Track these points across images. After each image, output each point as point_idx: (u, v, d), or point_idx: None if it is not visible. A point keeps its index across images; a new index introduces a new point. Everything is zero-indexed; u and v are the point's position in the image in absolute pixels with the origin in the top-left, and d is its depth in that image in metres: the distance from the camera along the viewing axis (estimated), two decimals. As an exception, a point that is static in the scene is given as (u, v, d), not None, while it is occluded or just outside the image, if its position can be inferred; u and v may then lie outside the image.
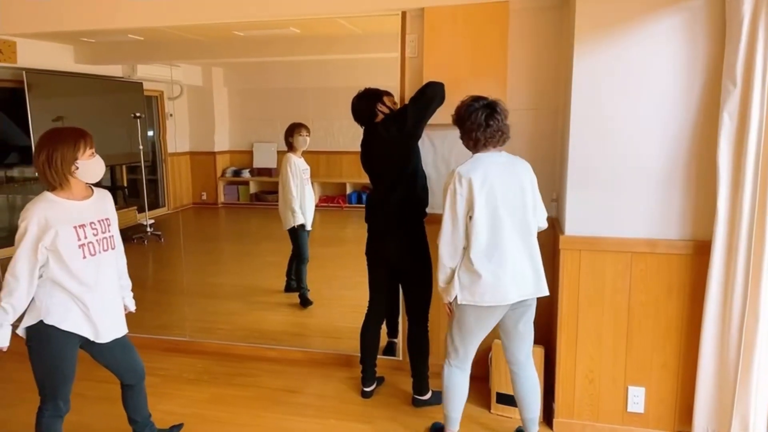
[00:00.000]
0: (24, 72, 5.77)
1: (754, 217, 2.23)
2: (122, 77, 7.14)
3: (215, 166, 8.66)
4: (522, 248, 2.21)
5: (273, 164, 8.61)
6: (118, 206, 8.47)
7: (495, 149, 2.24)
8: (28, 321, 2.05)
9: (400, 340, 3.28)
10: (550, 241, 2.94)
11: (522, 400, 2.44)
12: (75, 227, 2.03)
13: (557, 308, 2.63)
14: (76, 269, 2.03)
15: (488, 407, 2.87)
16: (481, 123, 2.18)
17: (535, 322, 3.01)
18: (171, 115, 8.50)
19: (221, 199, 8.71)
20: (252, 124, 8.59)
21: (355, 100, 2.81)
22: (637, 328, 2.52)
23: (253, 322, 4.08)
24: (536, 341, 2.86)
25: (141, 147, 7.01)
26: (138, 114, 7.02)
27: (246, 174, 8.80)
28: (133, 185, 7.90)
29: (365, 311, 2.98)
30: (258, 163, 8.75)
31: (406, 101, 2.93)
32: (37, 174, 2.00)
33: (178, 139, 8.62)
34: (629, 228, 2.47)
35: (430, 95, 2.64)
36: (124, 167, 7.70)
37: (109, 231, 2.15)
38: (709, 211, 2.34)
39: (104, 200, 2.19)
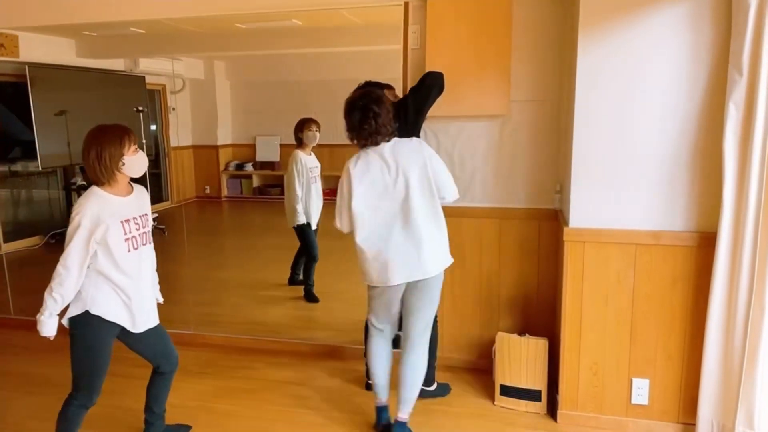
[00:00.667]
0: (26, 66, 5.76)
1: (760, 208, 2.21)
2: (124, 71, 7.13)
3: (218, 159, 8.64)
4: (404, 233, 2.33)
5: (276, 158, 8.58)
6: (122, 200, 8.15)
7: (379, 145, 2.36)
8: (74, 311, 2.14)
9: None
10: (554, 233, 2.93)
11: (399, 377, 2.50)
12: (122, 222, 2.14)
13: (561, 300, 2.62)
14: (122, 262, 2.14)
15: (492, 399, 2.87)
16: (354, 125, 2.32)
17: (538, 315, 3.04)
18: (173, 108, 8.50)
19: (224, 192, 8.70)
20: (254, 118, 8.56)
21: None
22: (642, 320, 2.51)
23: (257, 315, 4.09)
24: (540, 333, 2.87)
25: (144, 141, 6.99)
26: (140, 108, 7.01)
27: (249, 167, 8.79)
28: (136, 179, 7.90)
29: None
30: (261, 156, 8.73)
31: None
32: (86, 170, 2.12)
33: (180, 132, 8.62)
34: (634, 220, 2.45)
35: (429, 84, 2.63)
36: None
37: (147, 226, 2.26)
38: (715, 203, 2.32)
39: (143, 196, 2.29)
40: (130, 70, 7.14)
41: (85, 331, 2.15)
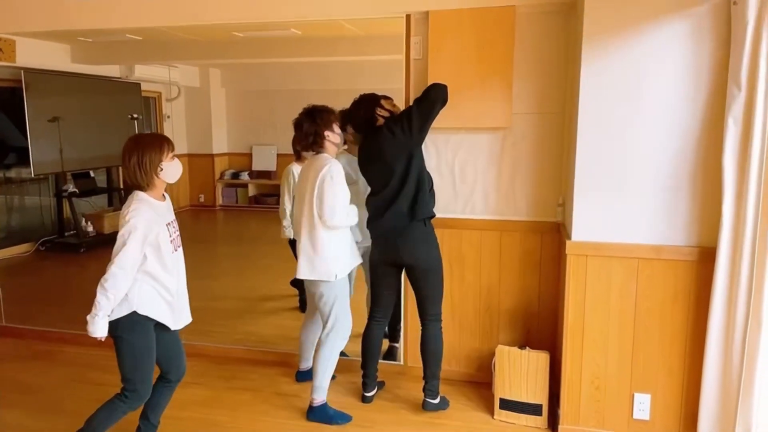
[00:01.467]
0: (22, 71, 5.71)
1: (757, 224, 2.21)
2: (120, 77, 7.09)
3: (213, 168, 8.61)
4: (306, 235, 2.70)
5: (273, 167, 8.54)
6: (113, 208, 8.36)
7: (313, 154, 2.74)
8: (120, 312, 2.18)
9: (401, 345, 3.25)
10: (556, 246, 2.93)
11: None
12: (166, 225, 2.27)
13: (563, 314, 2.61)
14: (169, 263, 2.26)
15: (491, 413, 2.84)
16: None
17: (539, 328, 3.02)
18: (168, 116, 8.47)
19: (219, 201, 8.65)
20: (251, 127, 8.55)
21: (352, 107, 2.77)
22: (643, 334, 2.50)
23: (251, 326, 4.04)
24: (541, 347, 2.85)
25: (138, 148, 6.95)
26: (135, 115, 6.97)
27: (245, 176, 8.75)
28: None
29: (366, 315, 2.95)
30: (257, 165, 8.70)
31: (411, 103, 2.91)
32: (127, 176, 2.24)
33: (175, 140, 8.57)
34: (636, 233, 2.45)
35: (433, 97, 2.63)
36: (120, 169, 7.64)
37: (177, 229, 2.41)
38: (715, 217, 2.33)
39: (170, 202, 2.41)
40: (125, 76, 7.11)
41: (134, 331, 2.22)
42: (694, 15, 2.28)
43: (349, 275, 2.85)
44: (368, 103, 2.73)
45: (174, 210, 2.40)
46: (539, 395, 2.71)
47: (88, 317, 2.11)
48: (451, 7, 2.80)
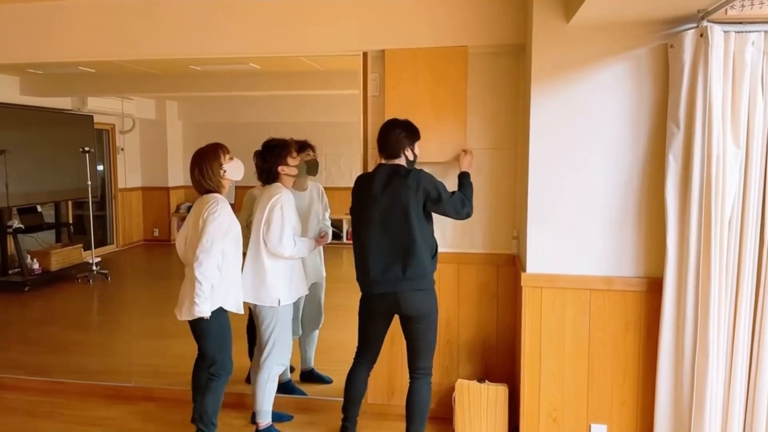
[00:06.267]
0: (-34, 103, 5.49)
1: (700, 254, 2.30)
2: (71, 110, 6.91)
3: (169, 201, 8.40)
4: (251, 259, 2.76)
5: (230, 200, 8.38)
6: (61, 244, 8.00)
7: (268, 184, 2.85)
8: (212, 306, 2.47)
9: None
10: (512, 278, 2.97)
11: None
12: None
13: (520, 346, 2.63)
14: (239, 254, 2.59)
15: (452, 450, 2.80)
16: None
17: (498, 360, 3.02)
18: (122, 149, 8.26)
19: (174, 235, 8.42)
20: (208, 159, 8.42)
21: (387, 126, 2.56)
22: (598, 364, 2.54)
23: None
24: (500, 379, 2.85)
25: (89, 182, 6.73)
26: (87, 148, 6.77)
27: (201, 210, 8.58)
28: (79, 222, 7.54)
29: (345, 356, 2.84)
30: (214, 198, 8.55)
31: (369, 139, 2.95)
32: (198, 185, 2.52)
33: (129, 173, 8.36)
34: (587, 265, 2.52)
35: (465, 214, 2.58)
36: (70, 203, 7.36)
37: None
38: (660, 249, 2.42)
39: None
40: (77, 109, 6.93)
41: (221, 322, 2.54)
42: (634, 57, 2.42)
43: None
44: (408, 132, 2.55)
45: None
46: (499, 429, 2.70)
47: (195, 308, 2.40)
48: (405, 46, 2.88)
